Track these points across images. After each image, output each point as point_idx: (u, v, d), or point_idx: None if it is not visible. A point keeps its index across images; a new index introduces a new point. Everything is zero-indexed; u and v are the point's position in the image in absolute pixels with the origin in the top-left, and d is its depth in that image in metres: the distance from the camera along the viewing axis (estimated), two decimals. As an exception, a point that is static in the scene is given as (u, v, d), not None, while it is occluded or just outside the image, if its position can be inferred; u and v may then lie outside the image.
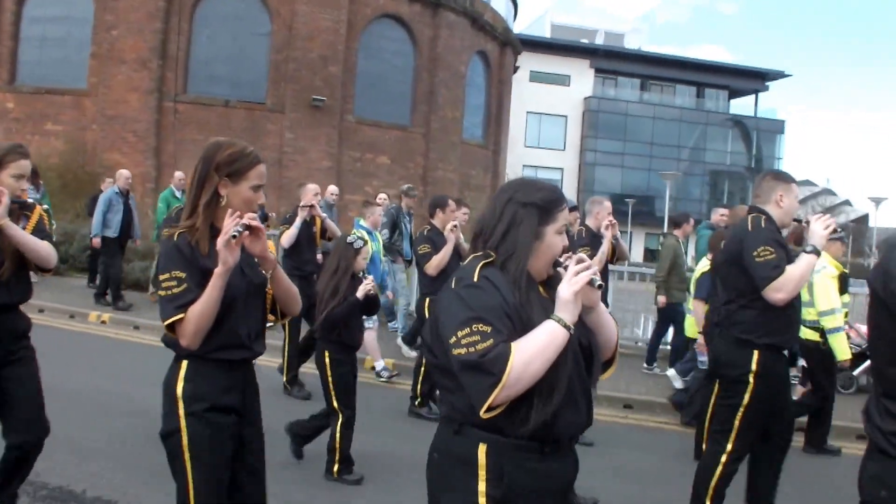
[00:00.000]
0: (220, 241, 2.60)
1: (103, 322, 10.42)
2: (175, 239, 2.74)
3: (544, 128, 49.87)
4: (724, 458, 4.31)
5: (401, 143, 22.57)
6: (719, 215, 9.92)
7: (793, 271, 4.07)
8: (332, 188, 11.55)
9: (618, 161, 49.18)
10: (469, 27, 24.21)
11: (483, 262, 2.21)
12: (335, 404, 5.07)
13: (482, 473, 2.14)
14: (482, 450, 2.14)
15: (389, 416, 6.95)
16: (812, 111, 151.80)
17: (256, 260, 2.85)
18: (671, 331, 9.65)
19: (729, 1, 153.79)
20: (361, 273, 5.27)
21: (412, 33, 22.66)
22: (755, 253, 4.13)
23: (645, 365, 9.62)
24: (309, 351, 7.37)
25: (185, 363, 2.79)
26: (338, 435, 5.05)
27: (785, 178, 4.44)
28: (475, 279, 2.16)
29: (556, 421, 2.14)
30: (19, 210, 3.54)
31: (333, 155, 20.95)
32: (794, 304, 4.31)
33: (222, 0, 20.19)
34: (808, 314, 6.32)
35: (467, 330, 2.06)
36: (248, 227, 2.64)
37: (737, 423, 4.28)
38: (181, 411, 2.74)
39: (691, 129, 51.30)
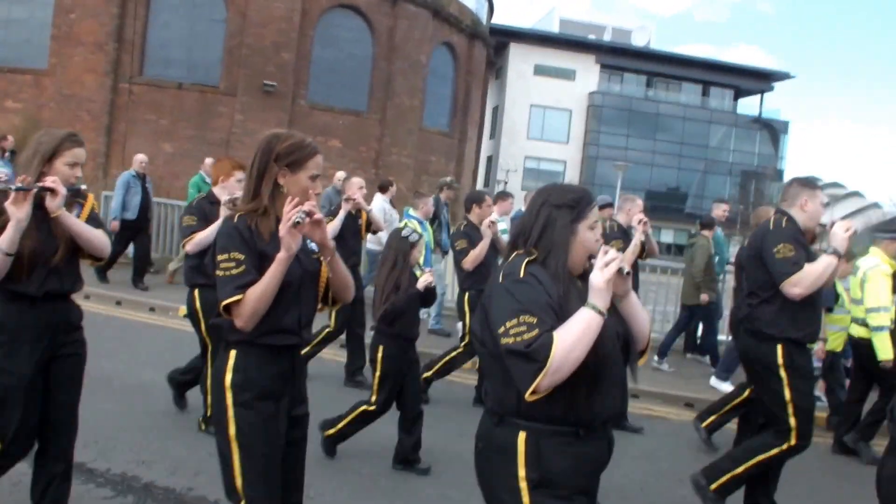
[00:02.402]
0: (282, 228, 2.64)
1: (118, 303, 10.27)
2: (235, 220, 2.79)
3: (548, 121, 50.13)
4: (784, 446, 4.39)
5: (354, 128, 23.28)
6: (722, 210, 10.09)
7: (811, 269, 4.20)
8: (340, 173, 11.39)
9: (621, 156, 49.04)
10: (431, 19, 24.79)
11: (527, 259, 2.41)
12: (373, 397, 5.06)
13: (521, 459, 2.32)
14: (521, 438, 2.33)
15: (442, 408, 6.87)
16: (837, 112, 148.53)
17: (314, 247, 2.93)
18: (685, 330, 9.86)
19: (767, 0, 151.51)
20: (417, 265, 5.27)
21: (370, 23, 23.35)
22: (775, 249, 4.28)
23: (656, 358, 9.50)
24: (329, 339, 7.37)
25: (233, 352, 2.81)
26: (354, 414, 5.08)
27: (810, 184, 4.53)
28: (521, 275, 2.35)
29: (590, 406, 2.33)
30: (72, 198, 3.47)
31: (283, 137, 21.72)
32: (815, 300, 4.44)
33: (178, -13, 21.07)
34: (861, 312, 6.43)
35: (515, 321, 2.23)
36: (308, 215, 2.69)
37: (792, 420, 4.35)
38: (229, 401, 2.76)
39: (695, 127, 51.18)
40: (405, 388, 5.18)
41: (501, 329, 2.24)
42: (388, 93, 23.80)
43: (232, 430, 2.74)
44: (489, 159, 51.65)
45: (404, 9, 23.67)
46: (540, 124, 50.11)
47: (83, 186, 3.59)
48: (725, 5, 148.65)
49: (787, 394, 4.32)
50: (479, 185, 50.29)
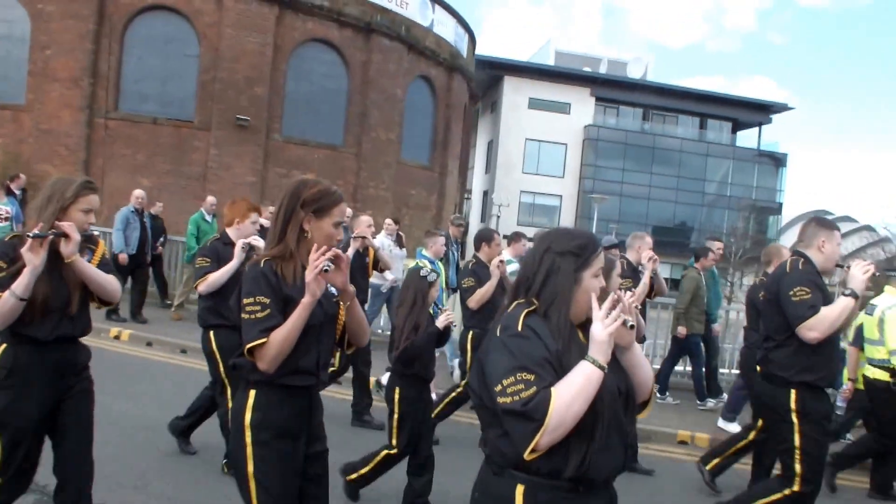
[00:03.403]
0: (310, 274, 2.73)
1: (116, 338, 10.37)
2: (262, 265, 2.87)
3: (543, 154, 50.29)
4: (787, 492, 4.35)
5: (331, 162, 23.53)
6: (716, 248, 9.99)
7: (828, 312, 4.17)
8: (347, 211, 11.16)
9: (616, 189, 49.07)
10: (406, 52, 25.15)
11: (526, 310, 2.32)
12: (393, 441, 5.02)
13: None
14: (520, 491, 2.25)
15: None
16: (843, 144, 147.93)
17: (334, 290, 3.01)
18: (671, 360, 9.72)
19: (779, 31, 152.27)
20: (435, 304, 5.27)
21: (344, 57, 23.71)
22: (791, 293, 4.25)
23: (658, 395, 9.34)
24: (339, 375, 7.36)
25: (253, 392, 2.88)
26: (377, 459, 5.04)
27: (828, 225, 4.55)
28: (519, 328, 2.27)
29: (590, 462, 2.22)
30: (84, 243, 3.51)
31: (258, 171, 22.05)
32: (833, 343, 4.43)
33: (152, 23, 21.46)
34: (876, 353, 6.28)
35: (512, 378, 2.15)
36: (335, 261, 2.79)
37: (797, 465, 4.31)
38: (248, 439, 2.83)
39: (693, 160, 51.15)
40: (417, 431, 5.13)
41: (498, 387, 2.18)
42: (363, 126, 24.09)
43: (250, 467, 2.84)
44: (485, 193, 51.87)
45: (378, 42, 24.02)
46: (535, 158, 50.24)
47: (95, 232, 3.67)
48: (738, 36, 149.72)
49: (797, 439, 4.31)
50: (474, 220, 50.62)
